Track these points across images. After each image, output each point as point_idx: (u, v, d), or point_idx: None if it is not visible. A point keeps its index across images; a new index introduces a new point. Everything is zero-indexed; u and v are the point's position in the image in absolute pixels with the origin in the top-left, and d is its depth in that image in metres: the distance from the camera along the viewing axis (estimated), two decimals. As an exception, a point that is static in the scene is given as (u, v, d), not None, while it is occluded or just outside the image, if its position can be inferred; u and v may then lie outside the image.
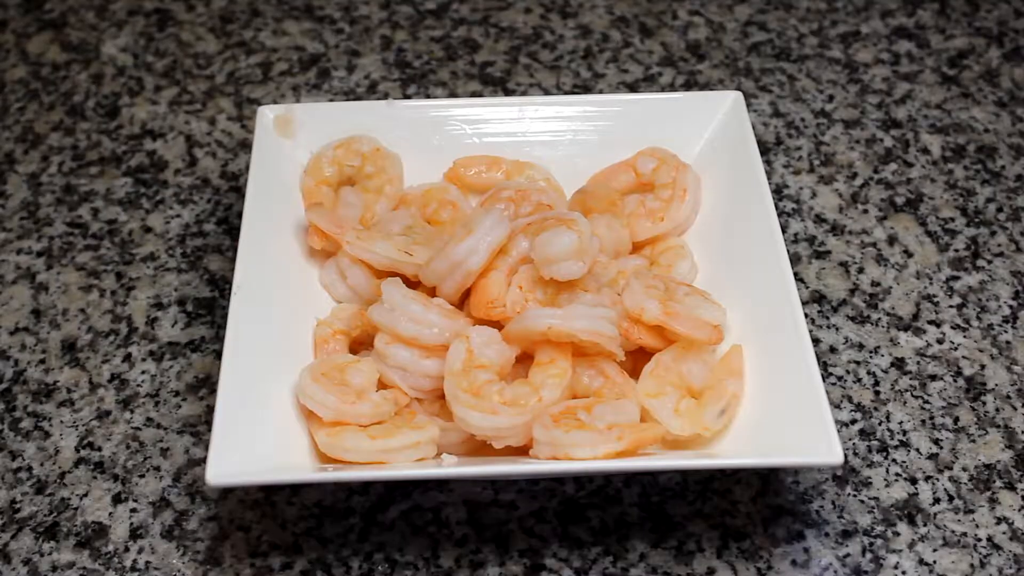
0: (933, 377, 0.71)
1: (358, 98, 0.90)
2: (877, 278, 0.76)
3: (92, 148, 0.86)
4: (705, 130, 0.75)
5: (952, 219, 0.80)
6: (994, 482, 0.66)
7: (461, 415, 0.60)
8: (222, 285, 0.76)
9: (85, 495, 0.66)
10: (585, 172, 0.75)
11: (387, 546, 0.63)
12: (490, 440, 0.61)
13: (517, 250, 0.66)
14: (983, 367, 0.71)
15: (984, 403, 0.70)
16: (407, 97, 0.90)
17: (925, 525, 0.64)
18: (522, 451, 0.61)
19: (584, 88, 0.90)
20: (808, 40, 0.95)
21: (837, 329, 0.73)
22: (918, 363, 0.72)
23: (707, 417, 0.62)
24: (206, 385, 0.70)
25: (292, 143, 0.74)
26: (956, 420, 0.69)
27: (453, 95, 0.90)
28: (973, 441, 0.68)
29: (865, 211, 0.81)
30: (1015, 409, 0.69)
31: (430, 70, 0.92)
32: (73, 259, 0.78)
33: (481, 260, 0.64)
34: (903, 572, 0.62)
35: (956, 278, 0.77)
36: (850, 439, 0.67)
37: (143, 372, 0.71)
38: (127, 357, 0.72)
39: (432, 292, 0.66)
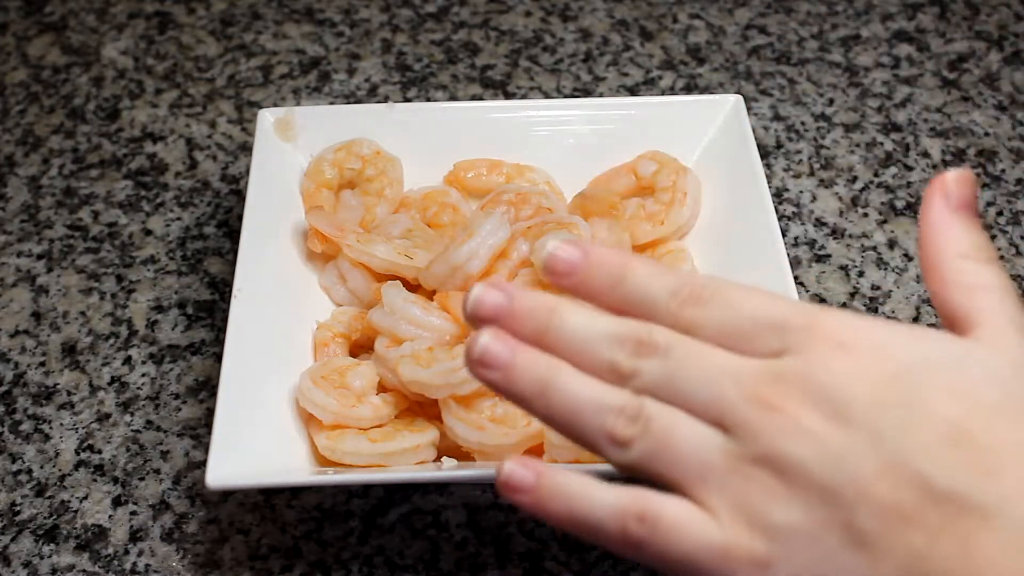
0: (933, 381, 0.71)
1: (358, 101, 0.90)
2: (877, 282, 0.76)
3: (92, 151, 0.86)
4: (705, 134, 0.75)
5: (952, 223, 0.80)
6: (994, 486, 0.66)
7: (449, 424, 0.61)
8: (222, 288, 0.76)
9: (85, 498, 0.66)
10: (585, 176, 0.75)
11: (387, 549, 0.63)
12: (474, 453, 0.61)
13: (517, 253, 0.66)
14: (983, 371, 0.71)
15: (984, 407, 0.69)
16: (408, 100, 0.90)
17: (925, 529, 0.64)
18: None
19: (584, 91, 0.90)
20: (808, 44, 0.95)
21: (837, 333, 0.73)
22: (918, 367, 0.71)
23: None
24: (206, 388, 0.70)
25: (292, 146, 0.74)
26: (956, 424, 0.69)
27: (453, 98, 0.90)
28: (973, 445, 0.68)
29: (865, 215, 0.81)
30: (1015, 413, 0.69)
31: (430, 73, 0.92)
32: (73, 262, 0.78)
33: (482, 264, 0.64)
34: (903, 576, 0.62)
35: (956, 282, 0.76)
36: (850, 443, 0.67)
37: (143, 375, 0.71)
38: (127, 360, 0.72)
39: (432, 295, 0.66)
